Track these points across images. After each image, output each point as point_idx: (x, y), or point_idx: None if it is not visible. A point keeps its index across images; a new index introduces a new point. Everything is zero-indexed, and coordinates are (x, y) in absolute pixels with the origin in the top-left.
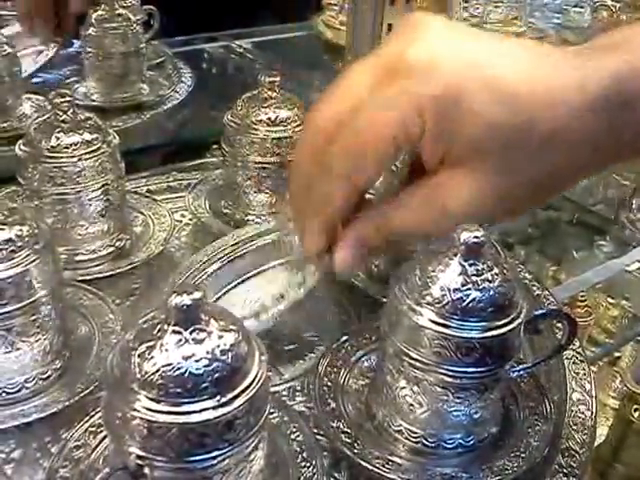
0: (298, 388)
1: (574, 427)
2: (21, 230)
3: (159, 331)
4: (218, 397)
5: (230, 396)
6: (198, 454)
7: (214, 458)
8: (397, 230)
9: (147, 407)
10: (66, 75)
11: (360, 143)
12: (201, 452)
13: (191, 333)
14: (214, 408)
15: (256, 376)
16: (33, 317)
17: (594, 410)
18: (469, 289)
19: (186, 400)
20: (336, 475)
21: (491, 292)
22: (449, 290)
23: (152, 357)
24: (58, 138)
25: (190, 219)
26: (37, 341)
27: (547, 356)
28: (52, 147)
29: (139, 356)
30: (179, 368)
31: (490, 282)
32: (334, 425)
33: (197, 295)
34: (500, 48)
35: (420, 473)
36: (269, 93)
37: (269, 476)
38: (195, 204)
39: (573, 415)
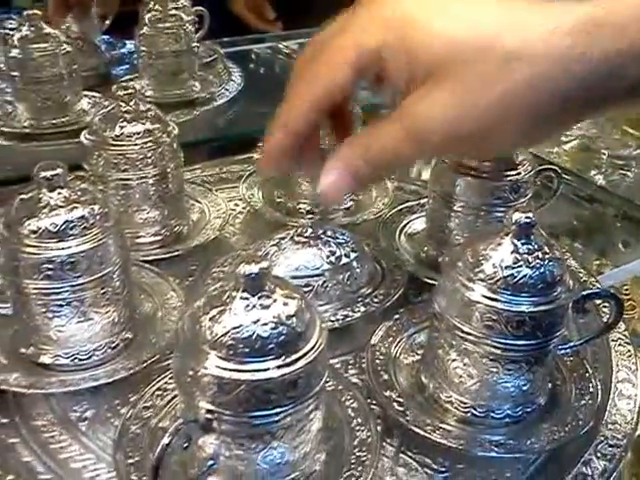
0: (351, 362)
1: (619, 402)
2: (93, 209)
3: (228, 297)
4: (283, 358)
5: (293, 358)
6: (263, 410)
7: (277, 414)
8: (378, 157)
9: (217, 365)
10: (120, 74)
11: (319, 62)
12: (266, 408)
13: (259, 299)
14: (278, 367)
15: (317, 341)
16: (103, 290)
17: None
18: (520, 266)
19: (253, 360)
20: (388, 441)
21: (541, 269)
22: (501, 267)
23: (222, 320)
24: (122, 127)
25: (244, 207)
26: (107, 313)
27: (594, 335)
28: (116, 136)
29: (210, 319)
30: (247, 330)
31: (540, 260)
32: (387, 394)
33: (264, 264)
34: None
35: (469, 440)
36: None
37: (326, 438)
38: (249, 193)
39: (618, 392)
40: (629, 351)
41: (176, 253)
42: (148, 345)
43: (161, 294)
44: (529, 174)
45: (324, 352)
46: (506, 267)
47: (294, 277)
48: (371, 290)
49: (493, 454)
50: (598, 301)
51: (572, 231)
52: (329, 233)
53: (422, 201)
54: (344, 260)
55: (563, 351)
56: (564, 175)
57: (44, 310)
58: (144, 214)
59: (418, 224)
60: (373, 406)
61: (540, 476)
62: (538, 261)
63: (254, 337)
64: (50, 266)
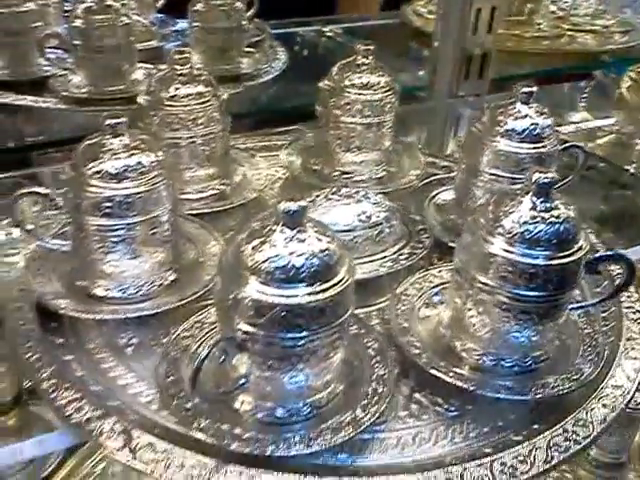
0: (375, 313)
1: (625, 361)
2: (149, 156)
3: (269, 230)
4: (313, 286)
5: (322, 287)
6: (292, 332)
7: (304, 338)
8: None
9: (256, 289)
10: (172, 48)
11: None
12: (295, 331)
13: (296, 233)
14: (309, 294)
15: (345, 276)
16: (153, 231)
17: None
18: (537, 222)
19: (287, 286)
20: (404, 381)
21: (557, 226)
22: (519, 223)
23: (262, 250)
24: (176, 89)
25: (283, 173)
26: (155, 253)
27: (606, 296)
28: (170, 97)
29: (252, 249)
30: (283, 260)
31: (557, 218)
32: (405, 340)
33: (303, 203)
34: None
35: (479, 383)
36: (363, 60)
37: (347, 371)
38: (288, 161)
39: (625, 353)
40: None
41: (218, 209)
42: (190, 285)
43: (204, 243)
44: (554, 147)
45: (351, 287)
46: (523, 223)
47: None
48: (398, 249)
49: (500, 395)
50: (612, 267)
51: (600, 215)
52: (362, 194)
53: (452, 174)
54: (374, 219)
55: (574, 310)
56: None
57: (100, 246)
58: (191, 172)
59: (446, 195)
60: (393, 349)
61: (541, 419)
62: (554, 219)
63: (289, 266)
64: (109, 204)
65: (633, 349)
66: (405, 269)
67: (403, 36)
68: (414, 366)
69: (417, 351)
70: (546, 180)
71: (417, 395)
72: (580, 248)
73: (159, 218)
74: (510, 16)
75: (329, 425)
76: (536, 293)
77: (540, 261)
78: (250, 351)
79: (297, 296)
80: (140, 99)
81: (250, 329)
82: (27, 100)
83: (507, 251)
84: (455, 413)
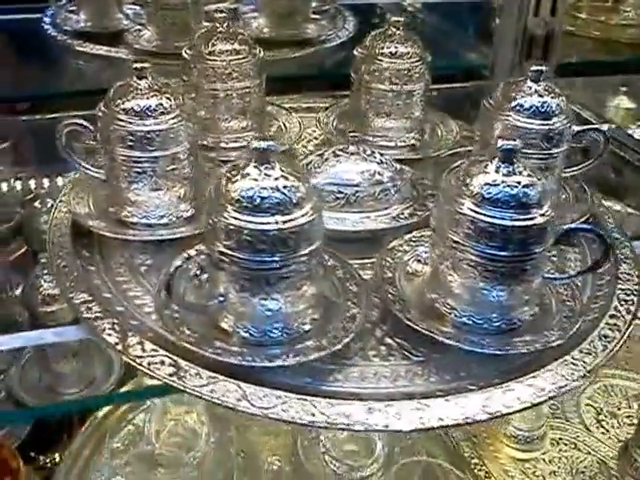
0: (369, 265)
1: (602, 334)
2: (169, 99)
3: (244, 166)
4: (276, 217)
5: (284, 219)
6: (260, 256)
7: (270, 262)
8: None
9: (229, 216)
10: (244, 10)
11: None
12: (261, 255)
13: (264, 169)
14: (271, 223)
15: (306, 213)
16: (172, 166)
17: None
18: (498, 185)
19: (254, 214)
20: (380, 325)
21: (516, 190)
22: (482, 184)
23: (236, 182)
24: (214, 45)
25: (319, 134)
26: (174, 187)
27: (581, 271)
28: (210, 52)
29: (229, 181)
30: (251, 191)
31: (517, 183)
32: (386, 288)
33: (272, 143)
34: None
35: (448, 334)
36: (394, 30)
37: (323, 305)
38: (324, 122)
39: (604, 328)
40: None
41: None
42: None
43: None
44: (564, 126)
45: (315, 222)
46: (485, 184)
47: (331, 184)
48: (402, 209)
49: (463, 346)
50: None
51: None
52: (368, 152)
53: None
54: (377, 177)
55: (551, 282)
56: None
57: (126, 175)
58: (227, 123)
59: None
60: (374, 297)
61: (500, 373)
62: (514, 183)
63: (255, 197)
64: (132, 138)
65: (610, 329)
66: (405, 227)
67: (483, 15)
68: (391, 313)
69: (393, 298)
70: (509, 147)
71: (388, 339)
72: (543, 214)
73: (178, 155)
74: (596, 2)
75: (297, 349)
76: (501, 252)
77: (501, 221)
78: (226, 271)
79: (261, 224)
80: (184, 53)
81: (224, 250)
82: (102, 50)
83: (473, 211)
84: (420, 359)
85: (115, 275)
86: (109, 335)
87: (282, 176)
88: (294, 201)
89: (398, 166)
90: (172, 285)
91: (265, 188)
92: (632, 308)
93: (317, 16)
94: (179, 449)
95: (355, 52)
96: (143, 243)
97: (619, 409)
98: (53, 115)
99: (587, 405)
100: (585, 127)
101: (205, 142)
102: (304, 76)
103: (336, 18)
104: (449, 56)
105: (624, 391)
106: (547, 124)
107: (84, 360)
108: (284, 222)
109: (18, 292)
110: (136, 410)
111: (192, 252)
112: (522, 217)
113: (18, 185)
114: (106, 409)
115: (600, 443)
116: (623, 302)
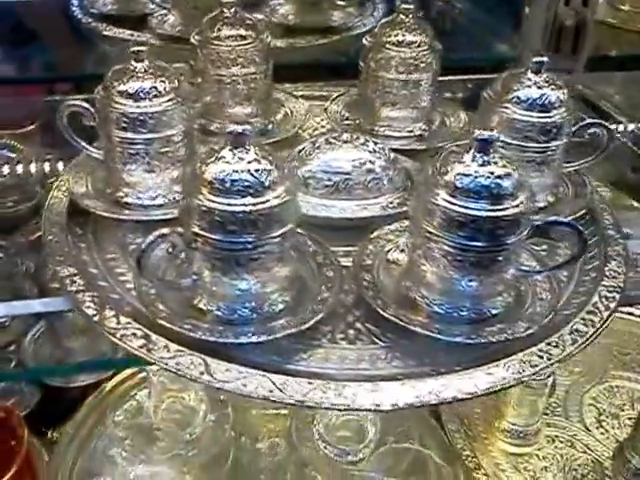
0: (353, 253)
1: (573, 329)
2: (164, 82)
3: (220, 149)
4: (246, 199)
5: (253, 201)
6: (234, 236)
7: (241, 244)
8: None
9: (204, 197)
10: None
11: None
12: (232, 236)
13: (238, 152)
14: (241, 205)
15: (276, 196)
16: (166, 149)
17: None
18: (471, 175)
19: (225, 196)
20: (353, 310)
21: (489, 181)
22: (456, 174)
23: (210, 165)
24: (220, 30)
25: (326, 122)
26: (167, 169)
27: (555, 265)
28: (215, 37)
29: (205, 164)
30: (224, 173)
31: (491, 173)
32: (362, 275)
33: (247, 127)
34: None
35: (417, 322)
36: (403, 18)
37: (295, 287)
38: (332, 110)
39: (576, 324)
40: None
41: None
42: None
43: None
44: (564, 119)
45: (286, 207)
46: (458, 174)
47: (321, 171)
48: (393, 198)
49: (429, 334)
50: None
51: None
52: (361, 141)
53: None
54: (368, 166)
55: (524, 275)
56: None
57: (121, 156)
58: (231, 109)
59: None
60: (351, 284)
61: (466, 361)
62: (487, 174)
63: (227, 179)
64: (126, 120)
65: (584, 324)
66: (395, 216)
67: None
68: (364, 300)
69: (367, 285)
70: (484, 137)
71: (358, 324)
72: (516, 206)
73: (172, 138)
74: None
75: (265, 328)
76: (471, 243)
77: (472, 212)
78: (199, 250)
79: (231, 205)
80: (192, 38)
81: (197, 230)
82: (125, 34)
83: (445, 200)
84: (387, 344)
85: (105, 252)
86: (88, 308)
87: (255, 159)
88: (265, 184)
89: (392, 155)
90: (143, 261)
91: (236, 171)
92: (612, 305)
93: (344, 3)
94: (177, 426)
95: (364, 41)
96: (136, 223)
97: (622, 410)
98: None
99: (590, 405)
100: (588, 121)
101: (211, 128)
102: (326, 64)
103: (365, 5)
104: (481, 47)
105: (630, 393)
106: (545, 117)
107: (93, 336)
108: (254, 204)
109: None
110: (140, 386)
111: (166, 230)
112: (493, 208)
113: (46, 167)
114: (111, 384)
115: (598, 443)
116: (604, 299)
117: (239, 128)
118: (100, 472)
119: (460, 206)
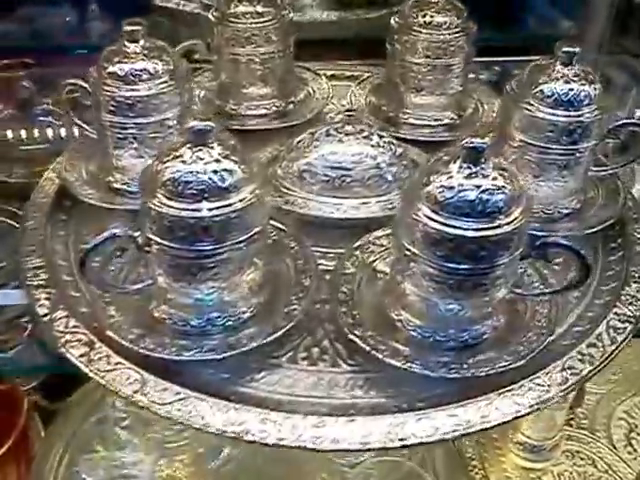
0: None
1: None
2: (157, 64)
3: (179, 147)
4: (201, 203)
5: (211, 206)
6: (188, 244)
7: (198, 252)
8: None
9: (159, 200)
10: None
11: None
12: (188, 243)
13: (199, 151)
14: (209, 210)
15: (246, 197)
16: (157, 134)
17: None
18: (453, 188)
19: (180, 200)
20: (325, 325)
21: (472, 196)
22: (438, 187)
23: (168, 165)
24: (236, 6)
25: (349, 106)
26: None
27: (554, 290)
28: (231, 13)
29: (162, 163)
30: (184, 176)
31: (477, 187)
32: (340, 286)
33: (209, 123)
34: None
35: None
36: None
37: (262, 294)
38: (357, 93)
39: (572, 358)
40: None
41: (269, 127)
42: None
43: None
44: (594, 118)
45: (248, 212)
46: (441, 187)
47: (319, 166)
48: (394, 197)
49: (397, 363)
50: None
51: None
52: (365, 133)
53: None
54: (369, 161)
55: (520, 298)
56: None
57: (110, 140)
58: (246, 89)
59: None
60: (326, 297)
61: (433, 395)
62: (473, 187)
63: (180, 180)
64: (114, 103)
65: (580, 360)
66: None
67: None
68: (344, 303)
69: (344, 296)
70: (473, 145)
71: (325, 342)
72: (506, 224)
73: (164, 123)
74: None
75: (216, 344)
76: (449, 264)
77: (453, 230)
78: (150, 253)
79: (182, 210)
80: (210, 16)
81: (150, 235)
82: (172, 2)
83: (426, 215)
84: (351, 369)
85: (80, 242)
86: (41, 306)
87: (215, 160)
88: (224, 187)
89: (400, 150)
90: (86, 263)
91: (192, 172)
92: (619, 338)
93: None
94: None
95: (392, 21)
96: (122, 211)
97: None
98: None
99: (620, 419)
100: (624, 120)
101: (225, 109)
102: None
103: None
104: (536, 23)
105: None
106: (570, 115)
107: None
108: (210, 209)
109: None
110: None
111: (118, 231)
112: (477, 227)
113: None
114: None
115: (622, 463)
116: (612, 330)
117: (200, 124)
118: (94, 449)
119: (440, 223)
